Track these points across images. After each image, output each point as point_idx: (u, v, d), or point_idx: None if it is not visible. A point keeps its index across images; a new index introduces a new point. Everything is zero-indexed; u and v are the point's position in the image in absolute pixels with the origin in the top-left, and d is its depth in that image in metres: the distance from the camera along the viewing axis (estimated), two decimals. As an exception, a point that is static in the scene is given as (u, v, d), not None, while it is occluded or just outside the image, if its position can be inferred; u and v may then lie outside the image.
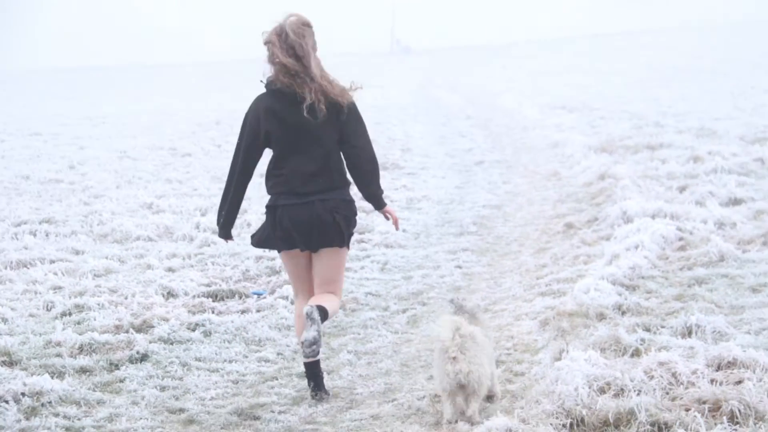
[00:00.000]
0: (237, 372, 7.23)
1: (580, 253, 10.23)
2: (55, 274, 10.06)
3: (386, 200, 6.94)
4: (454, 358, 5.70)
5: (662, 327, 7.31)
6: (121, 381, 6.99)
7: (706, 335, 6.95)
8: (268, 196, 6.64)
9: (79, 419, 6.23)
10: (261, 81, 6.62)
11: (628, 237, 10.01)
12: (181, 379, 7.06)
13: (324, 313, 6.42)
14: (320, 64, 6.52)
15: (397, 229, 7.05)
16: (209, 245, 11.49)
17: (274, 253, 10.77)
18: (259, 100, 6.64)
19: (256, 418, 6.28)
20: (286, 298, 8.91)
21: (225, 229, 6.80)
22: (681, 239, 9.96)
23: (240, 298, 9.23)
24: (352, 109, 6.56)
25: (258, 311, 8.68)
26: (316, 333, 6.34)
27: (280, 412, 6.37)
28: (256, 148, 6.66)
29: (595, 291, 8.14)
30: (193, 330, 8.11)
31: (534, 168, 17.52)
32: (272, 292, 9.30)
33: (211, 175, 17.64)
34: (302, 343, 6.42)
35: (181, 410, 6.44)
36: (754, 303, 7.80)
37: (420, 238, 11.97)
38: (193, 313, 8.56)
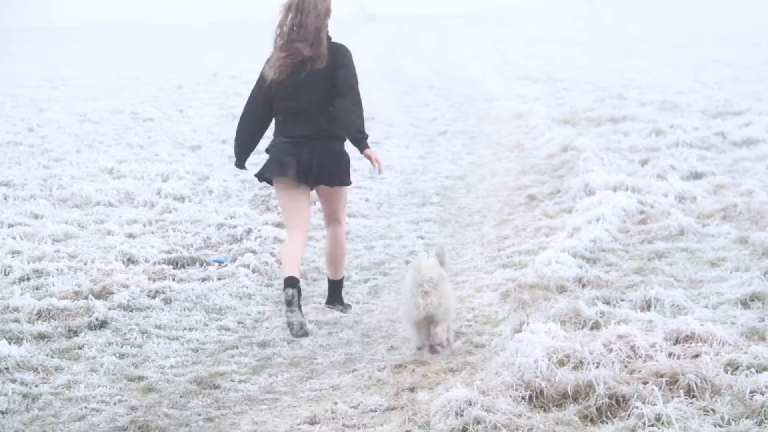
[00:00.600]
0: (197, 340, 7.19)
1: (541, 225, 10.26)
2: (14, 238, 9.89)
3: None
4: (426, 292, 6.33)
5: (622, 300, 7.36)
6: (80, 348, 6.92)
7: (665, 309, 7.00)
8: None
9: (36, 386, 6.17)
10: None
11: (590, 210, 10.05)
12: (140, 346, 7.01)
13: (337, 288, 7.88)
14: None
15: (380, 172, 7.56)
16: (170, 212, 11.40)
17: (236, 220, 10.78)
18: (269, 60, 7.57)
19: (216, 387, 6.26)
20: (248, 266, 8.88)
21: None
22: (642, 213, 10.02)
23: (201, 265, 9.17)
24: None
25: (219, 279, 8.64)
26: (300, 317, 7.24)
27: (239, 381, 6.36)
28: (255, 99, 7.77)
29: (556, 263, 8.18)
30: (153, 297, 8.05)
31: (497, 139, 17.53)
32: (233, 260, 9.25)
33: (173, 140, 17.49)
34: (289, 327, 7.22)
35: (140, 378, 6.40)
36: (713, 277, 7.86)
37: (382, 208, 11.96)
38: (154, 281, 8.49)
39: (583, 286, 7.86)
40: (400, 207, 12.04)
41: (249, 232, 10.27)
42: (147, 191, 12.42)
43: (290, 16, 7.35)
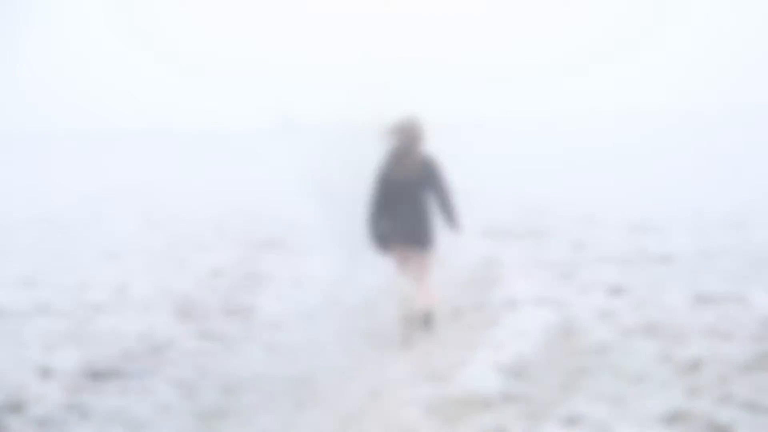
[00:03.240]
0: (114, 457, 6.98)
1: (466, 339, 10.25)
2: None
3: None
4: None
5: (546, 416, 7.34)
6: (-10, 465, 6.67)
7: (589, 425, 7.00)
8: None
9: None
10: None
11: (514, 323, 10.10)
12: (54, 463, 6.78)
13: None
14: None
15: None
16: (89, 322, 11.17)
17: (157, 331, 10.59)
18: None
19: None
20: (168, 378, 8.69)
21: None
22: (565, 327, 10.08)
23: (120, 377, 8.95)
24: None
25: (138, 392, 8.43)
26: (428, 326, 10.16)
27: (158, 501, 6.16)
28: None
29: (481, 378, 8.17)
30: (70, 411, 7.82)
31: (421, 250, 17.55)
32: (153, 372, 9.04)
33: (93, 248, 17.24)
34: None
35: (53, 497, 6.17)
36: (637, 393, 7.88)
37: (307, 319, 11.85)
38: (70, 393, 8.26)
39: (508, 401, 7.84)
40: (324, 318, 11.94)
41: (170, 342, 10.09)
42: (64, 301, 12.17)
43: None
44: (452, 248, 16.87)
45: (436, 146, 13.00)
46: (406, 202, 10.04)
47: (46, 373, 8.94)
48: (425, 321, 10.21)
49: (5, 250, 16.90)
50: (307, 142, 72.04)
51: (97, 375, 8.96)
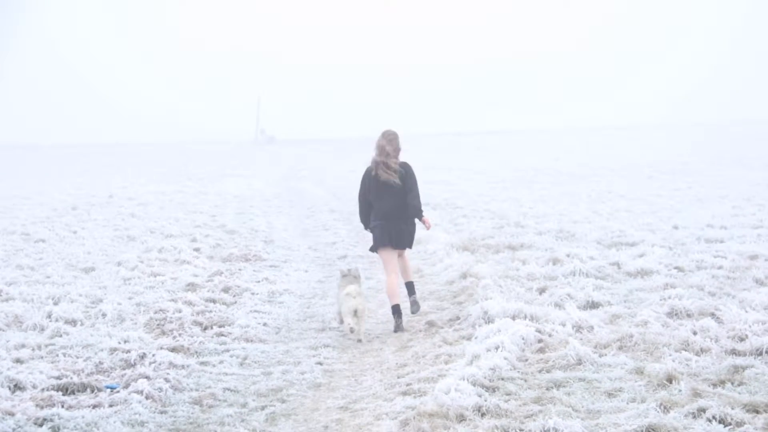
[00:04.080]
0: (85, 471, 6.91)
1: (441, 353, 10.24)
2: None
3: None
4: (354, 297, 11.33)
5: (521, 430, 7.34)
6: (-41, 480, 6.59)
7: (563, 440, 6.99)
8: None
9: None
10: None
11: (489, 337, 10.09)
12: (24, 478, 6.70)
13: (412, 286, 12.48)
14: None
15: (428, 228, 12.67)
16: (61, 336, 11.10)
17: (130, 344, 10.52)
18: (368, 170, 12.26)
19: None
20: (141, 392, 8.64)
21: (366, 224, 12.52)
22: (540, 341, 10.07)
23: (92, 391, 8.88)
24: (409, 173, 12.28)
25: (111, 406, 8.36)
26: (416, 306, 12.25)
27: None
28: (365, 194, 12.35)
29: (456, 392, 8.16)
30: (41, 425, 7.76)
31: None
32: (126, 386, 8.97)
33: (66, 262, 17.13)
34: (411, 311, 12.26)
35: None
36: (610, 408, 7.89)
37: (281, 333, 11.81)
38: (41, 407, 8.20)
39: (483, 415, 7.84)
40: (298, 332, 11.91)
41: (143, 357, 10.02)
42: (37, 314, 12.08)
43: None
44: (429, 262, 16.90)
45: (411, 156, 13.09)
46: (389, 200, 12.12)
47: (17, 387, 8.86)
48: (408, 288, 12.37)
49: (-22, 264, 16.77)
50: (286, 157, 72.10)
51: (69, 389, 8.88)
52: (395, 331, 11.83)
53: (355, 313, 11.32)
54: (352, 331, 11.30)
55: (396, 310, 11.95)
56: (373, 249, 12.53)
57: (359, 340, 11.34)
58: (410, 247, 12.52)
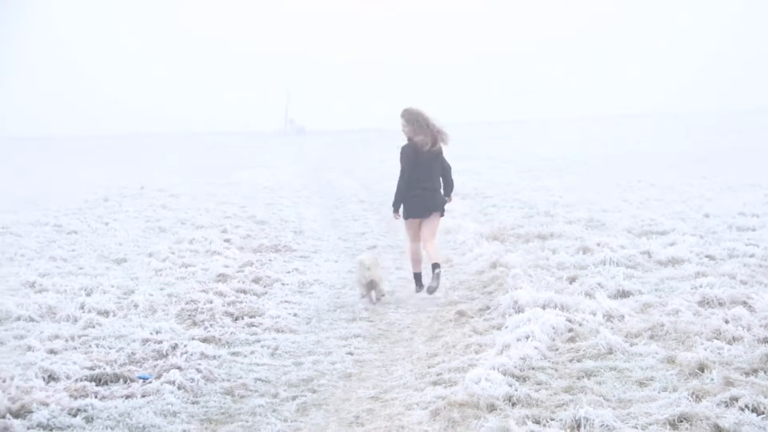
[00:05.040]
0: (119, 461, 6.97)
1: (471, 342, 10.24)
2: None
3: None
4: (368, 268, 12.70)
5: (551, 420, 7.34)
6: (-5, 470, 6.67)
7: (594, 429, 6.99)
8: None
9: None
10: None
11: (519, 327, 10.07)
12: (59, 468, 6.77)
13: (438, 266, 13.05)
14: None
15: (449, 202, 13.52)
16: (94, 327, 11.18)
17: (162, 335, 10.60)
18: (409, 145, 12.96)
19: None
20: (173, 383, 8.69)
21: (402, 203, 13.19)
22: (571, 330, 10.05)
23: (125, 382, 8.95)
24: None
25: (143, 396, 8.42)
26: (437, 283, 12.93)
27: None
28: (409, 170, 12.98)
29: (486, 381, 8.15)
30: (75, 416, 7.82)
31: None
32: (158, 376, 9.03)
33: (98, 253, 17.24)
34: (428, 289, 12.97)
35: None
36: (641, 397, 7.87)
37: (311, 323, 11.84)
38: (75, 398, 8.26)
39: (513, 404, 7.83)
40: (329, 322, 11.93)
41: (175, 347, 10.08)
42: (70, 305, 12.18)
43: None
44: (458, 252, 16.89)
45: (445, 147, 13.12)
46: (430, 172, 13.03)
47: (51, 377, 8.95)
48: (434, 270, 12.93)
49: (13, 255, 16.91)
50: (315, 147, 72.15)
51: (102, 379, 8.96)
52: (417, 292, 13.19)
53: (370, 284, 12.76)
54: (363, 296, 12.90)
55: (418, 278, 13.21)
56: (405, 216, 13.21)
57: (374, 303, 12.73)
58: (443, 212, 13.43)
